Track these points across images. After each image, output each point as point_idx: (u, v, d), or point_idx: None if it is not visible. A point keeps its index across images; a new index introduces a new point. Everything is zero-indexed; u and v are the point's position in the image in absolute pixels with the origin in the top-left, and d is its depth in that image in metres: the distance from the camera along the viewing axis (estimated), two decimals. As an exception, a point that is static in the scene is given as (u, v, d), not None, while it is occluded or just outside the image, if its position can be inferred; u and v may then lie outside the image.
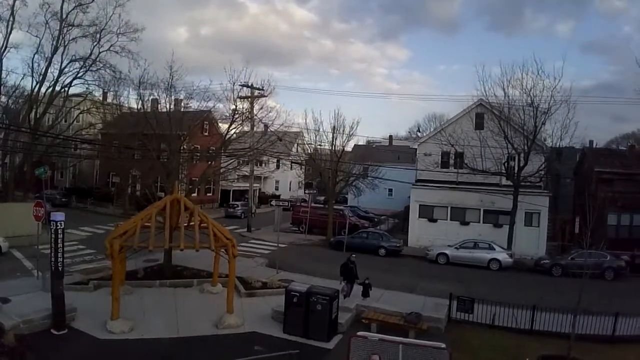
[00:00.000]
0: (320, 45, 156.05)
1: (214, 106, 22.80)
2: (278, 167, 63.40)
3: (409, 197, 34.47)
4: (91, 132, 38.21)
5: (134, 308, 14.94)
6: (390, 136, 62.78)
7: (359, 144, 50.81)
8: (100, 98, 38.88)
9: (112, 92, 32.70)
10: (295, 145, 53.54)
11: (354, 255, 18.07)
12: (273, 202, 30.59)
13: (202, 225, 14.98)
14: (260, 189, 55.97)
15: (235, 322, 14.34)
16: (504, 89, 28.52)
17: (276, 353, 11.16)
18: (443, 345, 9.93)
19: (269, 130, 34.96)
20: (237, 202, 45.58)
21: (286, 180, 63.94)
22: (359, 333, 10.40)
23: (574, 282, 14.91)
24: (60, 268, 13.02)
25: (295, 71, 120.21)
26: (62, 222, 12.99)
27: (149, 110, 27.79)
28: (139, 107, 31.16)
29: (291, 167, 62.42)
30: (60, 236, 12.86)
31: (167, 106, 21.31)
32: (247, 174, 42.13)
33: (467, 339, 14.34)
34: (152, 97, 26.06)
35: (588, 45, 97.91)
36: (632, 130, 58.05)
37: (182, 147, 22.83)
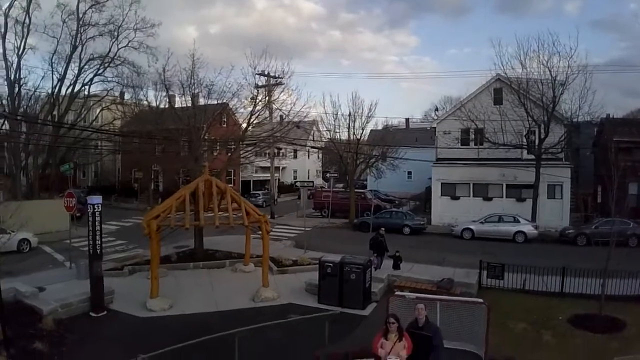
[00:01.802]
0: (329, 36, 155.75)
1: (233, 95, 22.87)
2: (295, 156, 63.82)
3: (429, 178, 34.63)
4: (112, 128, 38.78)
5: (171, 288, 15.38)
6: (407, 119, 62.62)
7: (376, 128, 50.77)
8: (119, 97, 39.47)
9: (131, 89, 33.08)
10: (312, 133, 53.84)
11: (382, 229, 18.38)
12: (297, 184, 30.75)
13: (234, 204, 15.34)
14: (279, 179, 56.40)
15: (272, 295, 14.72)
16: (521, 62, 28.51)
17: (317, 314, 11.46)
18: (481, 300, 10.14)
19: (285, 118, 35.11)
20: (258, 192, 46.10)
21: (304, 170, 64.31)
22: (397, 293, 10.67)
23: (599, 251, 15.08)
24: (98, 250, 13.42)
25: (306, 64, 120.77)
26: (100, 205, 13.41)
27: (167, 106, 28.28)
28: (159, 101, 31.73)
29: (308, 156, 62.81)
30: (97, 219, 13.26)
31: (190, 95, 21.60)
32: (266, 165, 42.70)
33: (499, 302, 14.43)
34: (170, 93, 26.35)
35: (597, 23, 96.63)
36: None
37: (204, 136, 23.10)
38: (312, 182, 29.14)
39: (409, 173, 49.83)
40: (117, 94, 34.60)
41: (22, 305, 12.95)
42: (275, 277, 17.05)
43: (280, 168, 59.81)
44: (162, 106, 32.50)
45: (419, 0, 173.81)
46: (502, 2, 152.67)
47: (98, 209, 13.26)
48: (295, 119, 27.98)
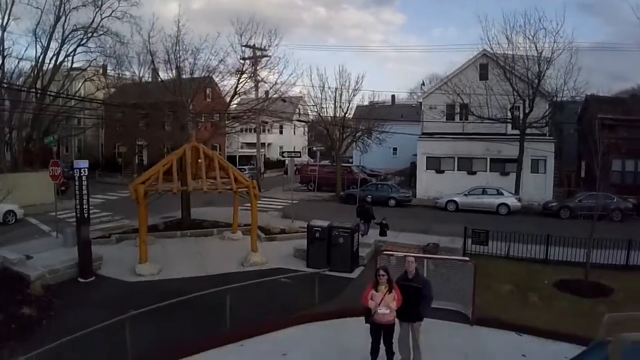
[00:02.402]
0: (314, 12, 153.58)
1: (219, 63, 22.48)
2: (281, 132, 63.63)
3: (414, 155, 34.85)
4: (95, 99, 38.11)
5: (159, 255, 15.40)
6: (393, 95, 62.46)
7: (362, 104, 50.78)
8: (102, 70, 38.68)
9: (114, 60, 32.40)
10: (298, 109, 53.64)
11: (369, 197, 18.52)
12: (284, 154, 30.69)
13: (221, 171, 15.30)
14: (265, 155, 56.25)
15: (260, 260, 14.85)
16: (507, 37, 28.65)
17: (306, 270, 11.60)
18: (467, 258, 10.40)
19: (270, 91, 34.79)
20: (244, 166, 45.93)
21: (290, 146, 63.76)
22: (385, 252, 10.83)
23: (582, 224, 15.49)
24: (85, 214, 13.33)
25: (291, 41, 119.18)
26: (86, 170, 13.29)
27: (151, 77, 27.84)
28: (142, 73, 31.18)
29: (294, 132, 62.62)
30: (84, 183, 13.15)
31: (175, 63, 21.27)
32: (252, 141, 42.42)
33: (484, 267, 14.67)
34: (155, 60, 25.85)
35: (582, 6, 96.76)
36: (631, 86, 57.75)
37: (190, 106, 22.82)
38: (299, 152, 29.08)
39: (394, 149, 50.03)
40: (100, 64, 33.79)
41: (9, 272, 12.86)
42: (264, 245, 17.14)
43: (266, 144, 59.60)
44: (145, 79, 32.04)
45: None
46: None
47: (84, 173, 13.16)
48: (282, 90, 27.70)
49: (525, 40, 28.31)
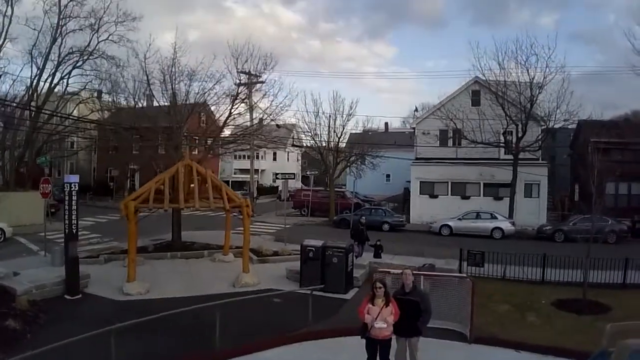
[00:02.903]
0: (308, 45, 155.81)
1: (215, 84, 22.38)
2: (275, 159, 63.65)
3: (408, 181, 34.86)
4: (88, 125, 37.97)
5: (148, 275, 14.96)
6: (386, 123, 62.81)
7: (355, 132, 51.11)
8: (96, 96, 38.65)
9: (109, 83, 32.32)
10: (292, 136, 53.76)
11: (363, 218, 18.30)
12: (279, 176, 30.48)
13: (214, 189, 15.08)
14: (258, 181, 56.09)
15: (252, 281, 14.49)
16: (499, 63, 28.98)
17: (300, 289, 11.29)
18: (465, 275, 10.18)
19: (264, 118, 34.72)
20: (237, 192, 45.56)
21: (284, 172, 64.03)
22: (381, 269, 10.57)
23: (577, 247, 15.31)
24: (74, 230, 12.99)
25: (285, 72, 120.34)
26: (76, 185, 13.02)
27: (145, 101, 27.75)
28: (137, 97, 31.05)
29: (288, 158, 62.66)
30: (74, 198, 12.87)
31: (171, 82, 21.18)
32: (245, 167, 42.21)
33: (481, 288, 14.36)
34: (150, 81, 25.69)
35: (573, 36, 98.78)
36: (624, 112, 58.49)
37: (184, 127, 22.68)
38: (293, 173, 28.94)
39: (388, 176, 50.08)
40: (95, 87, 33.72)
41: (-5, 285, 12.48)
42: (256, 267, 16.78)
43: (260, 170, 59.57)
44: (140, 104, 31.91)
45: (396, 11, 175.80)
46: (479, 14, 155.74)
47: (74, 188, 12.85)
48: (276, 112, 27.51)
49: (517, 66, 28.68)
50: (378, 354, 7.63)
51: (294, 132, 52.19)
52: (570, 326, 11.24)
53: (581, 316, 11.95)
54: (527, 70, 28.06)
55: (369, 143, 35.57)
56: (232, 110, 23.05)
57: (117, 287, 13.71)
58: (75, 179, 13.09)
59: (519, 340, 9.92)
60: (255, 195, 38.77)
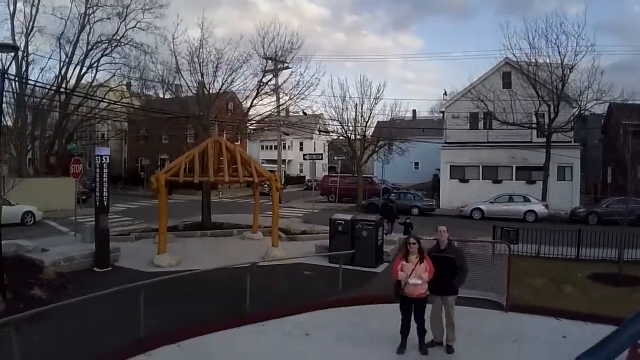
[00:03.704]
0: (333, 39, 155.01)
1: (242, 64, 22.21)
2: (301, 149, 63.63)
3: (437, 169, 34.36)
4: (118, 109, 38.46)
5: (178, 251, 15.08)
6: (414, 110, 61.87)
7: (382, 120, 50.70)
8: (125, 87, 39.11)
9: (138, 72, 32.59)
10: (317, 128, 53.65)
11: (393, 195, 18.05)
12: (306, 157, 30.35)
13: (243, 164, 15.05)
14: (285, 171, 56.24)
15: (281, 254, 14.45)
16: (529, 43, 28.23)
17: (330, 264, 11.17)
18: (500, 240, 9.88)
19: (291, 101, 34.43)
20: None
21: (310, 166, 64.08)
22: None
23: (611, 229, 15.08)
24: (105, 202, 13.10)
25: (310, 56, 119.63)
26: (107, 157, 13.15)
27: (174, 91, 27.96)
28: (165, 88, 31.25)
29: (314, 149, 62.57)
30: (105, 170, 12.99)
31: (198, 63, 21.22)
32: (272, 157, 42.21)
33: (515, 264, 14.06)
34: (179, 61, 25.57)
35: (599, 26, 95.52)
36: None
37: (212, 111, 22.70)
38: (321, 154, 28.77)
39: (416, 164, 49.56)
40: (124, 75, 33.95)
41: (22, 259, 12.63)
42: (285, 244, 16.77)
43: (287, 160, 59.70)
44: (169, 94, 32.09)
45: (421, 2, 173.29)
46: (504, 4, 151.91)
47: (105, 160, 12.99)
48: (303, 93, 26.98)
49: (547, 45, 27.91)
50: (412, 314, 7.44)
51: (320, 120, 52.13)
52: (607, 297, 10.85)
53: (618, 288, 11.56)
54: (558, 49, 27.27)
55: (398, 127, 34.94)
56: (260, 91, 22.94)
57: (147, 261, 13.82)
58: (106, 151, 13.25)
59: (557, 308, 9.58)
60: (283, 183, 38.79)
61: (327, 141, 55.20)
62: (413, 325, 7.46)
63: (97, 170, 12.89)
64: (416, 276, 7.22)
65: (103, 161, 12.92)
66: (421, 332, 7.48)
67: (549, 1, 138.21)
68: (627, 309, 7.98)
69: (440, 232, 7.75)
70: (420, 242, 7.44)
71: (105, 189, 12.94)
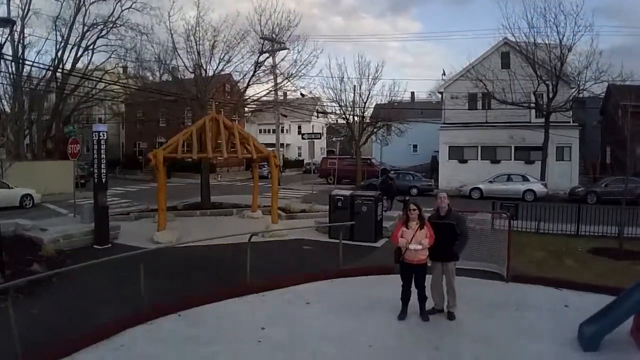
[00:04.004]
0: (331, 22, 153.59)
1: (239, 42, 21.89)
2: (300, 133, 63.36)
3: (435, 151, 34.27)
4: (115, 99, 38.23)
5: (178, 228, 15.02)
6: (412, 92, 61.60)
7: (380, 102, 50.47)
8: (121, 70, 38.72)
9: (134, 54, 32.16)
10: (315, 110, 53.33)
11: (392, 172, 17.98)
12: (305, 136, 30.17)
13: (242, 140, 14.99)
14: (283, 155, 56.07)
15: (281, 231, 14.41)
16: (528, 22, 27.99)
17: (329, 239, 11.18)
18: (501, 211, 9.88)
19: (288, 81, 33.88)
20: (263, 163, 45.67)
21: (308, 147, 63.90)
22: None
23: (609, 208, 15.20)
24: (103, 179, 13.02)
25: (308, 45, 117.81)
26: (105, 133, 13.05)
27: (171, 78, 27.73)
28: (162, 71, 30.90)
29: (313, 131, 62.29)
30: (103, 147, 12.89)
31: (199, 33, 20.93)
32: (270, 141, 42.00)
33: (515, 239, 14.06)
34: (175, 38, 25.05)
35: (599, 8, 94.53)
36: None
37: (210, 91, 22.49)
38: (320, 133, 28.62)
39: (415, 146, 49.45)
40: (120, 56, 33.49)
41: (21, 237, 12.59)
42: (285, 222, 16.72)
43: (285, 144, 59.51)
44: (165, 77, 31.73)
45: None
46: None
47: (103, 136, 12.90)
48: (300, 71, 26.59)
49: (546, 24, 27.64)
50: (413, 281, 7.44)
51: (319, 103, 51.86)
52: (609, 270, 10.84)
53: (619, 261, 11.59)
54: (557, 28, 26.98)
55: (396, 108, 34.74)
56: (257, 69, 22.75)
57: (147, 238, 13.76)
58: (104, 127, 13.16)
59: (558, 278, 9.61)
60: (281, 167, 38.68)
61: (325, 124, 54.92)
62: (414, 292, 7.47)
63: (95, 147, 12.79)
64: (416, 242, 7.21)
65: (101, 137, 12.82)
66: (422, 298, 7.49)
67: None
68: (629, 281, 7.94)
69: (441, 199, 7.72)
70: (420, 208, 7.41)
71: (103, 166, 12.86)
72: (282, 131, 53.09)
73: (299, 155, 62.94)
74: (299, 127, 62.58)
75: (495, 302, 8.36)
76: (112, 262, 8.39)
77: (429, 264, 7.51)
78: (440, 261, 7.51)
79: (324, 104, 43.84)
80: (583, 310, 7.21)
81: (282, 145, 55.51)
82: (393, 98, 36.87)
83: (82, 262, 11.06)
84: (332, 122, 45.09)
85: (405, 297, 7.52)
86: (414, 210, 7.36)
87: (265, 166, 43.72)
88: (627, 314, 6.23)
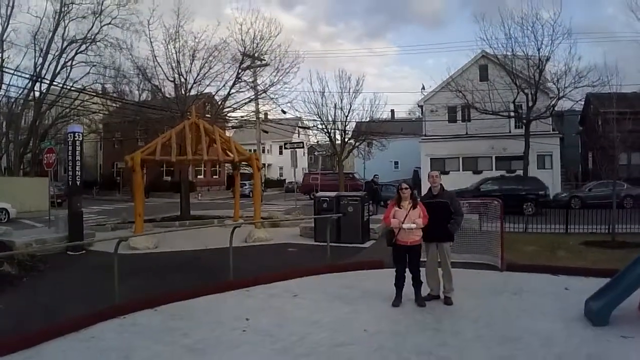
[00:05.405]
0: (309, 47, 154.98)
1: (219, 53, 21.49)
2: (281, 152, 63.03)
3: (417, 167, 34.20)
4: (93, 117, 37.37)
5: (157, 236, 14.37)
6: (392, 110, 61.93)
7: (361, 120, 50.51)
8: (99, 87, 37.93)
9: (113, 72, 31.54)
10: (297, 126, 53.17)
11: (377, 176, 17.70)
12: (287, 146, 29.80)
13: (223, 145, 14.52)
14: (264, 175, 55.57)
15: (265, 235, 13.95)
16: (505, 33, 28.16)
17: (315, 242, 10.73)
18: (493, 200, 9.59)
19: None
20: (244, 182, 45.07)
21: (289, 166, 63.58)
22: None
23: (596, 211, 15.07)
24: (77, 182, 12.43)
25: (287, 59, 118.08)
26: (80, 134, 12.52)
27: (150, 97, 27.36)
28: (141, 89, 30.34)
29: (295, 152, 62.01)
30: (77, 148, 12.33)
31: (176, 52, 20.56)
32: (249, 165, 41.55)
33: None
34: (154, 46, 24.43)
35: (573, 29, 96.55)
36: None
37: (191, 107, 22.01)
38: (302, 142, 28.36)
39: (396, 162, 49.43)
40: (99, 73, 32.75)
41: (-8, 241, 11.87)
42: (268, 230, 16.16)
43: (266, 164, 59.05)
44: (146, 95, 31.16)
45: (396, 12, 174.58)
46: (477, 12, 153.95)
47: (78, 137, 12.34)
48: (282, 80, 26.15)
49: (523, 33, 27.81)
50: (407, 263, 7.02)
51: (299, 122, 51.70)
52: (604, 259, 10.50)
53: (614, 251, 11.31)
54: (534, 36, 27.19)
55: (377, 123, 34.58)
56: (238, 79, 22.39)
57: (123, 245, 13.07)
58: (79, 128, 12.68)
59: (553, 265, 9.31)
60: (262, 185, 38.19)
61: (307, 143, 54.64)
62: (408, 278, 7.05)
63: (70, 148, 12.21)
64: (409, 221, 6.83)
65: (76, 138, 12.27)
66: (417, 282, 7.08)
67: (521, 9, 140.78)
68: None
69: (433, 177, 7.39)
70: (412, 189, 7.07)
71: (78, 168, 12.27)
72: (264, 151, 52.74)
73: (281, 175, 62.54)
74: (280, 148, 62.29)
75: (492, 289, 8.00)
76: (88, 267, 7.83)
77: (423, 248, 7.14)
78: (434, 242, 7.12)
79: (306, 120, 43.74)
80: (585, 292, 6.82)
81: (263, 165, 55.14)
82: (374, 114, 36.81)
83: (54, 267, 10.62)
84: (314, 143, 44.90)
85: (400, 284, 7.09)
86: (405, 189, 7.03)
87: (247, 184, 43.44)
88: (634, 286, 5.88)
